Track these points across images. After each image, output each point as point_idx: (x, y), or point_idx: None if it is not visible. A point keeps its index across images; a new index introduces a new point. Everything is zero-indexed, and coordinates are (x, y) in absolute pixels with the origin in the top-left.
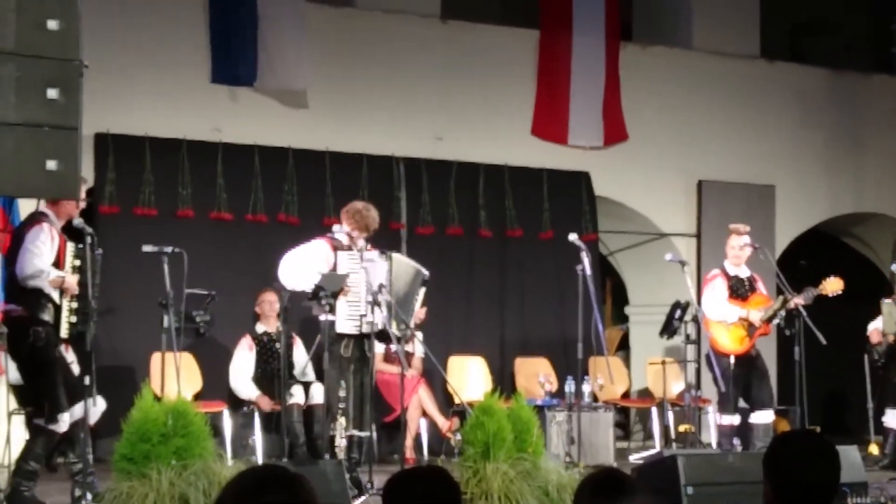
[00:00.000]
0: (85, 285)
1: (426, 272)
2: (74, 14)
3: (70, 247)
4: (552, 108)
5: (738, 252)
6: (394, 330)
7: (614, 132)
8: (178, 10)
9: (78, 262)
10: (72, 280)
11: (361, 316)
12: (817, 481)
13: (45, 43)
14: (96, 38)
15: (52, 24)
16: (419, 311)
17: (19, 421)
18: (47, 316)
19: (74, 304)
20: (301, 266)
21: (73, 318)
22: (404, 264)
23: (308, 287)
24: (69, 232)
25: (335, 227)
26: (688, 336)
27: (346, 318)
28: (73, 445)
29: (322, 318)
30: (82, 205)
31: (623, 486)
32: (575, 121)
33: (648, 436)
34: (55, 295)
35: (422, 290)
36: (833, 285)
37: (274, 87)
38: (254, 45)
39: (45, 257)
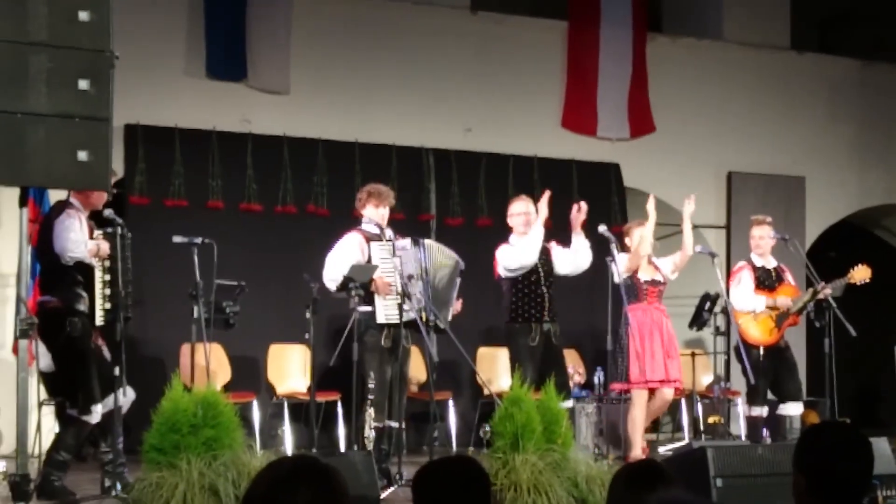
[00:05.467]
0: (115, 272)
1: (461, 262)
2: (106, 5)
3: (97, 234)
4: (581, 100)
5: (757, 241)
6: (424, 319)
7: (641, 124)
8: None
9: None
10: (104, 245)
11: (399, 305)
12: (850, 473)
13: (76, 34)
14: (126, 29)
15: (84, 16)
16: (457, 304)
17: (49, 410)
18: (82, 306)
19: (108, 291)
20: (341, 269)
21: (108, 305)
22: (444, 254)
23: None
24: (96, 220)
25: (364, 219)
26: (717, 328)
27: (385, 308)
28: (104, 435)
29: (354, 308)
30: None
31: (658, 477)
32: (603, 113)
33: (678, 428)
34: (96, 273)
35: (458, 281)
36: (861, 273)
37: (258, 87)
38: (243, 42)
39: (79, 234)
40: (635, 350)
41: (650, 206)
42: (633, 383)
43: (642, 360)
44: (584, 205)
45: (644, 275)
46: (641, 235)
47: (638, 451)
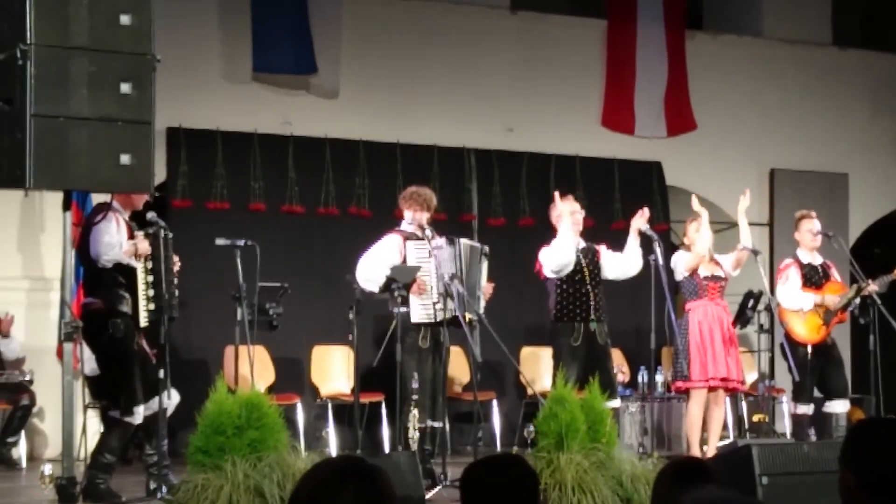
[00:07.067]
0: (158, 273)
1: (483, 246)
2: (147, 9)
3: (138, 234)
4: (620, 99)
5: (813, 237)
6: (467, 319)
7: (680, 122)
8: (248, 3)
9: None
10: (143, 244)
11: (434, 304)
12: None
13: (118, 38)
14: (167, 32)
15: (125, 19)
16: (486, 287)
17: (94, 413)
18: (125, 307)
19: (151, 293)
20: (376, 268)
21: (151, 307)
22: (468, 247)
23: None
24: (139, 221)
25: (405, 219)
26: (761, 325)
27: (420, 307)
28: (149, 438)
29: (395, 309)
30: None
31: (703, 475)
32: (640, 111)
33: (722, 426)
34: (138, 275)
35: (484, 265)
36: None
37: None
38: (309, 38)
39: (115, 237)
40: (696, 347)
41: (695, 205)
42: (693, 381)
43: (703, 357)
44: (646, 210)
45: (704, 271)
46: (695, 228)
47: (696, 451)
